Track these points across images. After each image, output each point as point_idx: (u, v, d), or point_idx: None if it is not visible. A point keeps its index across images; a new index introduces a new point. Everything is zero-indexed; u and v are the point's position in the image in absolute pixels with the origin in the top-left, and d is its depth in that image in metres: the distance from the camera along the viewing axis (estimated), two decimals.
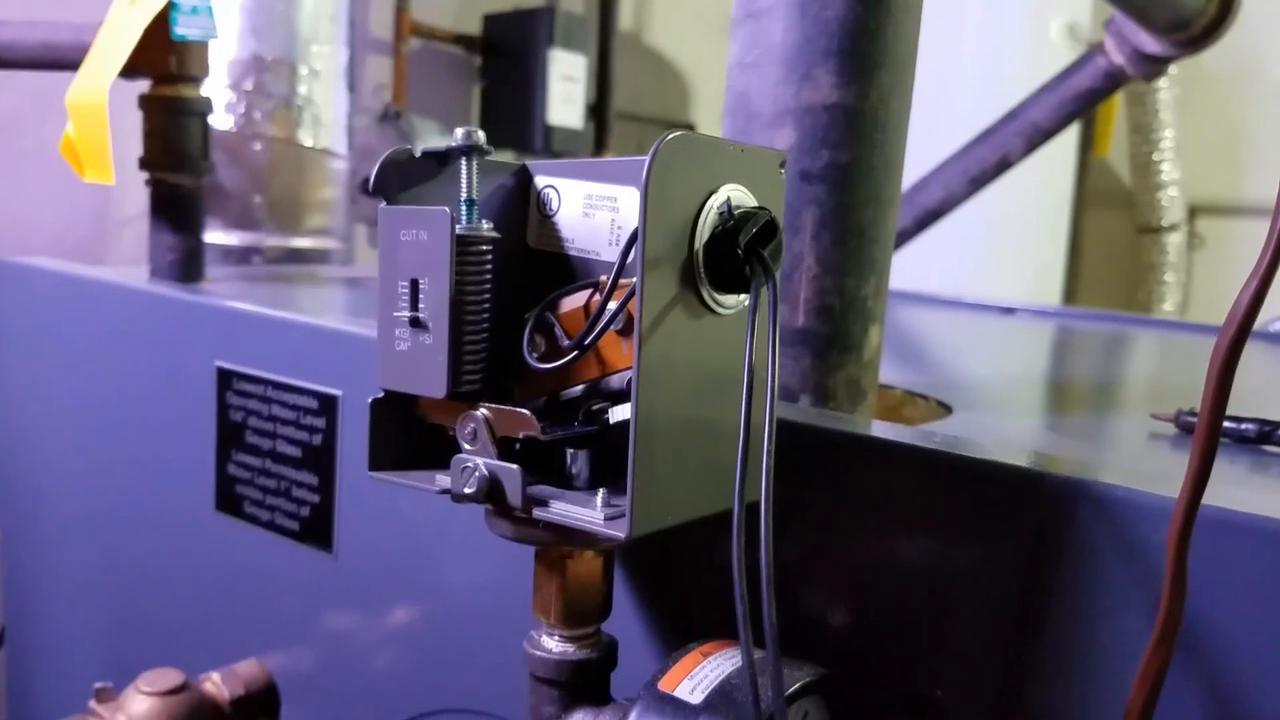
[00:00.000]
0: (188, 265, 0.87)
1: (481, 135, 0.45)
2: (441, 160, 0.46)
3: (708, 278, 0.39)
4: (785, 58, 0.57)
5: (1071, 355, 1.06)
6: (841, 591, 0.47)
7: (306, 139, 1.22)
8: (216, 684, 0.73)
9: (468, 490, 0.41)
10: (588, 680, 0.45)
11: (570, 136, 2.04)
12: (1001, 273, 2.31)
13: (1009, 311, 1.39)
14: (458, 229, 0.43)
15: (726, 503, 0.42)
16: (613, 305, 0.41)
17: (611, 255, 0.48)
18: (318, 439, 0.68)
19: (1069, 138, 2.47)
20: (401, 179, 0.46)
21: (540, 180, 0.50)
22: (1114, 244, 3.29)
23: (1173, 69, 2.73)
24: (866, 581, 0.46)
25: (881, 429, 0.48)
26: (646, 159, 0.36)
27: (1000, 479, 0.42)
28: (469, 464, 0.42)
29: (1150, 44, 1.34)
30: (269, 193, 1.21)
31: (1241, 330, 0.34)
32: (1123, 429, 0.63)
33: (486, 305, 0.44)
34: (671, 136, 0.37)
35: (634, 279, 0.41)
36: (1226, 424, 0.61)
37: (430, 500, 0.63)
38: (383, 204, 0.45)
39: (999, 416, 0.63)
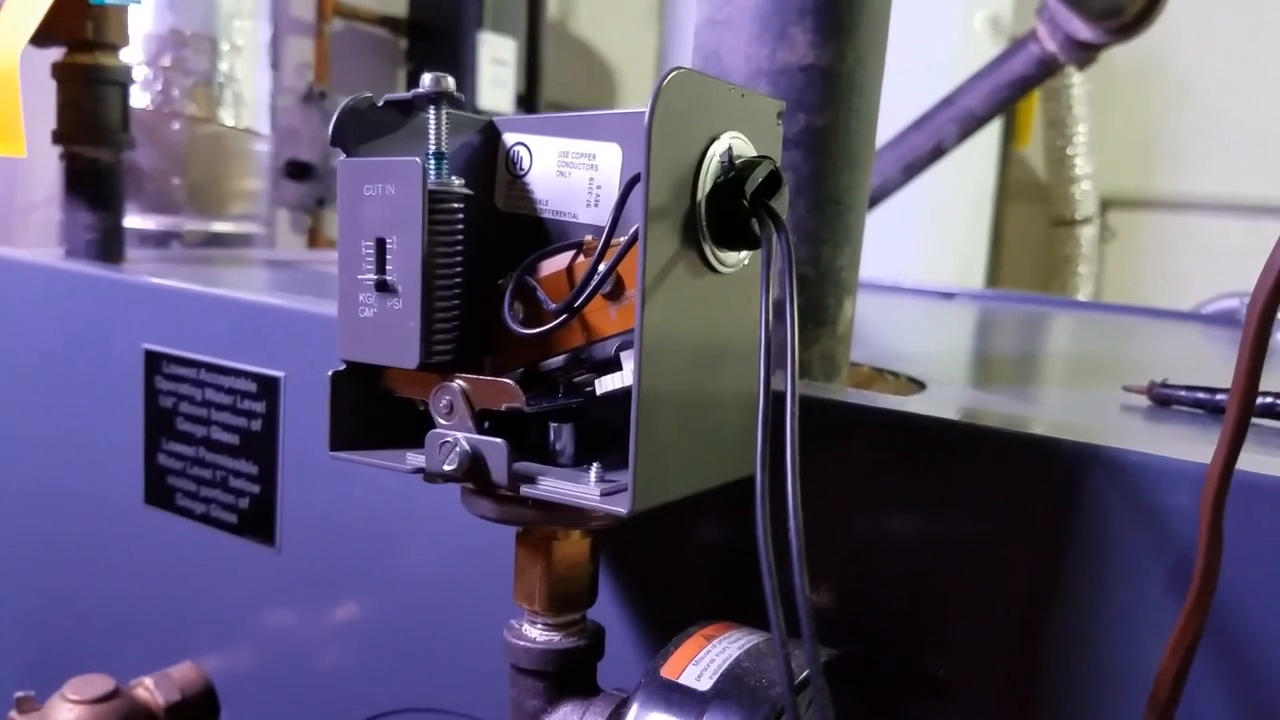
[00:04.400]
0: (107, 245, 0.81)
1: (451, 82, 0.41)
2: (405, 110, 0.43)
3: (710, 233, 0.36)
4: (759, 15, 0.54)
5: (1018, 335, 1.06)
6: (847, 569, 0.45)
7: (228, 118, 1.16)
8: (150, 689, 0.67)
9: (447, 467, 0.38)
10: (575, 670, 0.42)
11: None
12: (928, 261, 2.33)
13: (948, 296, 1.39)
14: (430, 183, 0.39)
15: (729, 475, 0.39)
16: (606, 267, 0.38)
17: (590, 217, 0.44)
18: (257, 424, 0.63)
19: (992, 130, 2.51)
20: (360, 130, 0.42)
21: (509, 137, 0.46)
22: (1031, 235, 3.35)
23: None
24: (873, 558, 0.44)
25: (885, 401, 0.46)
26: (646, 104, 0.33)
27: (1016, 448, 0.40)
28: (448, 439, 0.38)
29: (1083, 31, 1.36)
30: (188, 174, 1.14)
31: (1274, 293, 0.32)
32: (1095, 401, 0.62)
33: (459, 269, 0.41)
34: (676, 73, 0.34)
35: (622, 239, 0.38)
36: (1200, 395, 0.60)
37: (385, 484, 0.59)
38: (341, 156, 0.41)
39: (972, 391, 0.61)
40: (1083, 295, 3.27)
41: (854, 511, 0.44)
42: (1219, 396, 0.60)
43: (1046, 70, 1.44)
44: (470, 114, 0.45)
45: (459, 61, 1.96)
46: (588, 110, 0.44)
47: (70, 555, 0.77)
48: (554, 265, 0.42)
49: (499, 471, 0.37)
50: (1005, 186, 3.01)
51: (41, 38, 0.76)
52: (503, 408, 0.39)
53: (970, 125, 1.47)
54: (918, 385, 0.63)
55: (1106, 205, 3.34)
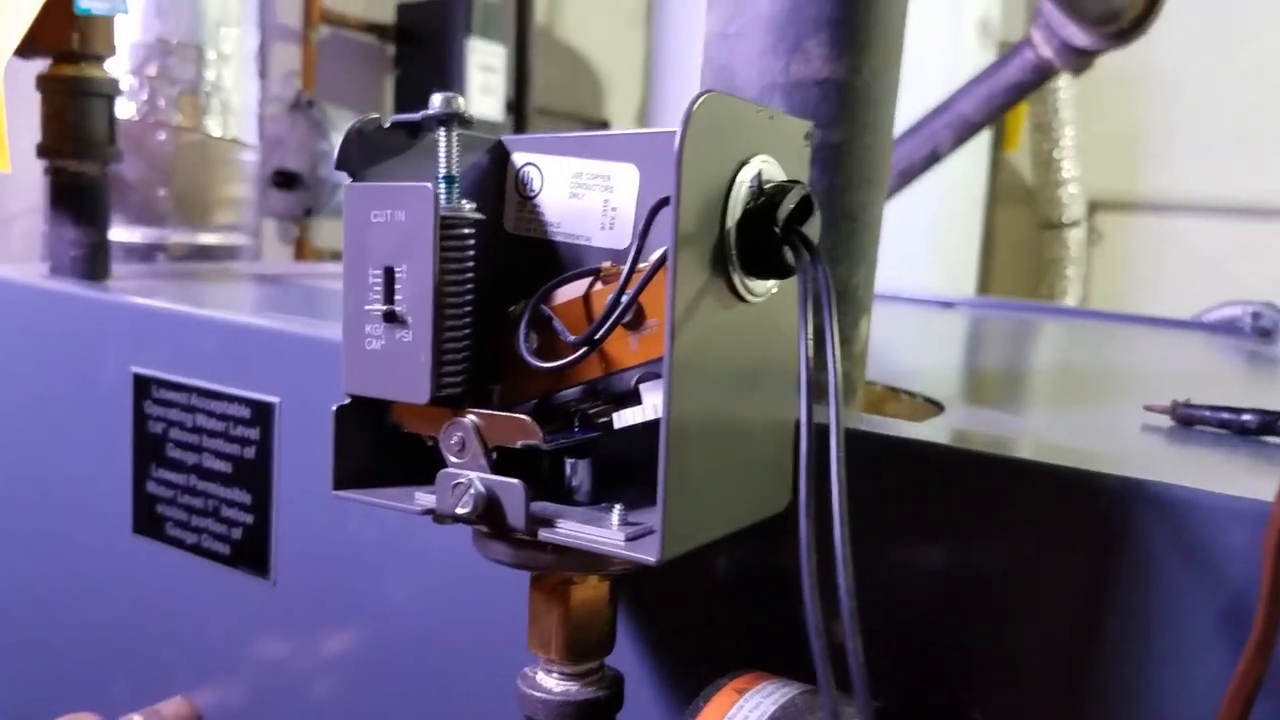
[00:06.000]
0: (92, 262, 0.78)
1: (462, 102, 0.39)
2: (413, 132, 0.41)
3: (740, 261, 0.35)
4: (773, 27, 0.52)
5: (1023, 346, 1.05)
6: (873, 609, 0.43)
7: (215, 128, 1.13)
8: None
9: (461, 510, 0.36)
10: None
11: (491, 130, 1.96)
12: (920, 267, 2.32)
13: (948, 305, 1.38)
14: (444, 208, 0.37)
15: (761, 513, 0.37)
16: (629, 297, 0.36)
17: (605, 240, 0.42)
18: (250, 452, 0.61)
19: (982, 135, 2.51)
20: (367, 153, 0.40)
21: (519, 158, 0.44)
22: (1020, 239, 3.35)
23: None
24: (899, 597, 0.42)
25: (915, 430, 0.44)
26: (678, 127, 0.31)
27: (1055, 482, 0.38)
28: (461, 480, 0.36)
29: (1079, 37, 1.34)
30: (174, 185, 1.12)
31: None
32: (1118, 422, 0.60)
33: (470, 298, 0.39)
34: (706, 95, 0.32)
35: (645, 265, 0.36)
36: (1225, 415, 0.59)
37: (383, 516, 0.57)
38: (349, 181, 0.39)
39: (992, 412, 0.60)
40: (1071, 298, 3.28)
41: (880, 547, 0.42)
42: (1245, 417, 0.59)
43: (1042, 76, 1.43)
44: (479, 134, 0.43)
45: (447, 68, 1.93)
46: (577, 116, 0.42)
47: (57, 586, 0.74)
48: (569, 293, 0.40)
49: (516, 515, 0.35)
50: (994, 191, 3.01)
51: (26, 49, 0.74)
52: (519, 444, 0.37)
53: (965, 132, 1.46)
54: (934, 406, 0.61)
55: (1094, 208, 3.34)
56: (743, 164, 0.34)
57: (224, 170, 1.16)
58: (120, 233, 1.09)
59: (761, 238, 0.34)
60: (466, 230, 0.39)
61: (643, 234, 0.36)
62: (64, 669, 0.74)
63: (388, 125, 0.40)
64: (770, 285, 0.37)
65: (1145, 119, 3.22)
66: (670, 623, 0.48)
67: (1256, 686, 0.32)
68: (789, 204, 0.34)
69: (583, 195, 0.43)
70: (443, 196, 0.38)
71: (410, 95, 2.02)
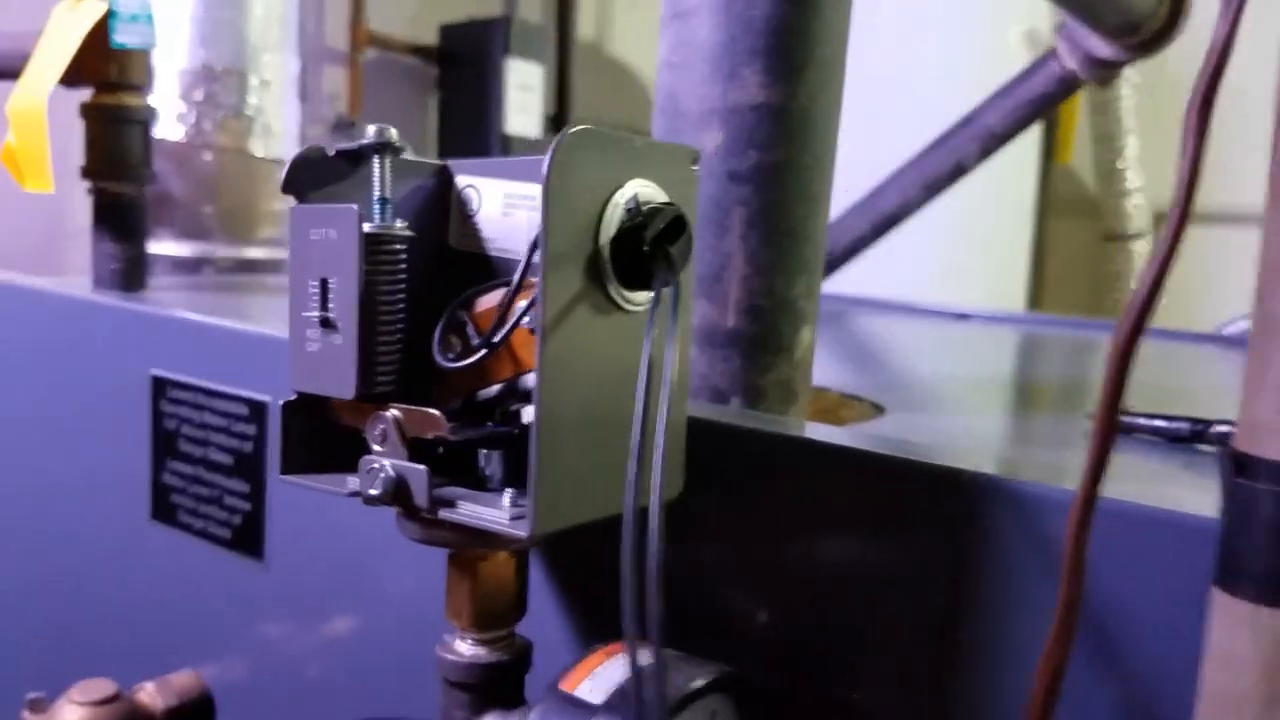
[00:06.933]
0: (129, 274, 0.86)
1: (394, 133, 0.44)
2: (354, 159, 0.46)
3: (616, 275, 0.39)
4: (711, 57, 0.57)
5: (1018, 359, 1.07)
6: (766, 592, 0.46)
7: (257, 149, 1.21)
8: (150, 694, 0.71)
9: (373, 492, 0.41)
10: (499, 684, 0.44)
11: (528, 146, 2.04)
12: (963, 279, 2.32)
13: (963, 317, 1.39)
14: (370, 227, 0.42)
15: (640, 501, 0.41)
16: (525, 304, 0.40)
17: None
18: (248, 446, 0.67)
19: (1030, 145, 2.49)
20: (314, 178, 0.45)
21: (461, 180, 0.49)
22: (1078, 251, 3.31)
23: (1136, 77, 2.76)
24: (791, 582, 0.46)
25: (800, 428, 0.48)
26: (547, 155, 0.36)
27: (917, 478, 0.42)
28: (375, 465, 0.41)
29: (1101, 48, 1.35)
30: (219, 203, 1.20)
31: (1138, 320, 0.34)
32: (1055, 429, 0.63)
33: (401, 305, 0.44)
34: (573, 131, 0.36)
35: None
36: (1160, 423, 0.61)
37: (358, 507, 0.62)
38: (293, 203, 0.44)
39: (930, 416, 0.63)
40: None
41: (782, 540, 0.46)
42: (1178, 425, 0.61)
43: (1067, 88, 1.43)
44: (422, 160, 0.48)
45: (485, 89, 2.00)
46: (623, 128, 0.46)
47: (80, 566, 0.81)
48: (488, 301, 0.44)
49: (420, 495, 0.40)
50: (1048, 202, 2.98)
51: (71, 80, 0.81)
52: (429, 435, 0.42)
53: (990, 145, 1.48)
54: (880, 410, 0.64)
55: (1161, 220, 3.29)
56: (618, 188, 0.39)
57: (266, 188, 1.24)
58: (170, 247, 1.17)
59: (635, 254, 0.38)
60: (397, 246, 0.44)
61: (530, 251, 0.40)
62: (88, 639, 0.81)
63: (331, 154, 0.45)
64: (651, 295, 0.41)
65: (1214, 129, 3.16)
66: (585, 598, 0.52)
67: (1059, 673, 0.35)
68: (658, 225, 0.38)
69: (512, 214, 0.48)
70: (375, 215, 0.44)
71: (452, 115, 2.10)
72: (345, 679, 0.65)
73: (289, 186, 0.44)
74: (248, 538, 0.68)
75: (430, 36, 2.28)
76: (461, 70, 2.11)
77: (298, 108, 1.26)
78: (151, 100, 0.87)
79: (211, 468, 0.70)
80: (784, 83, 0.56)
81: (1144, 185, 3.14)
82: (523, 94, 2.04)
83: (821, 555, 0.45)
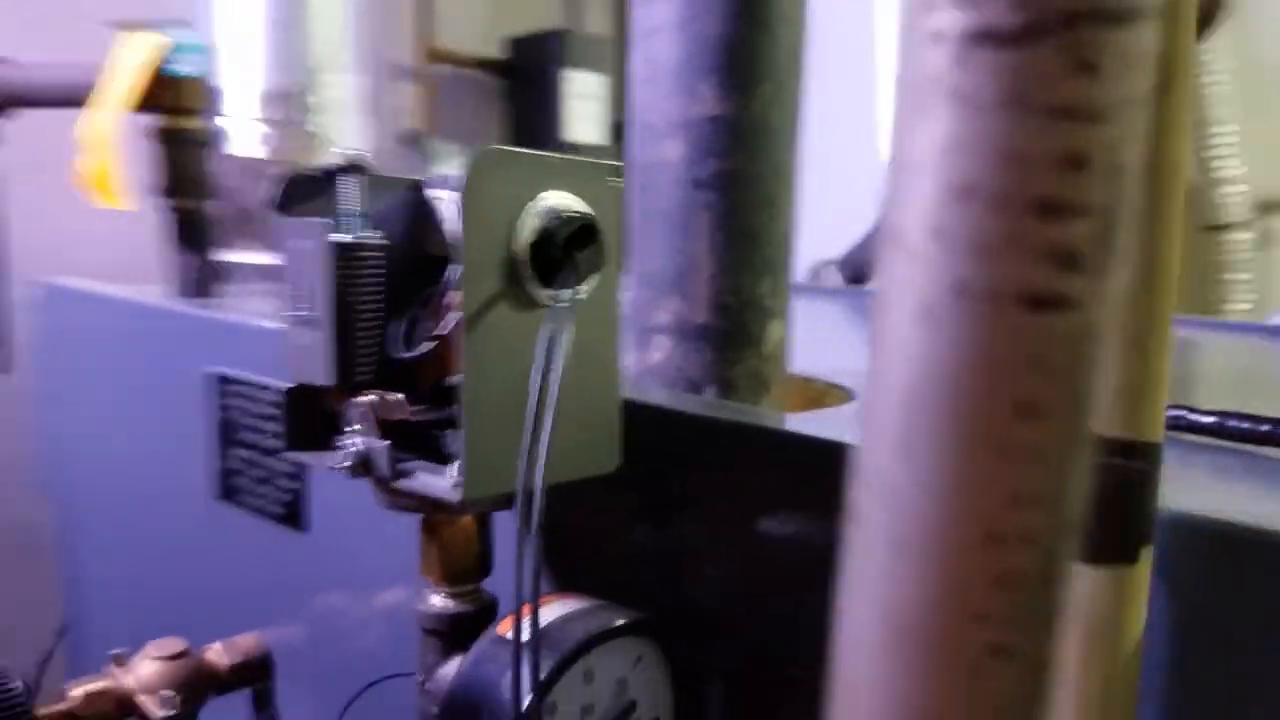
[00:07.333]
0: (200, 282, 0.96)
1: (365, 155, 0.52)
2: (333, 179, 0.53)
3: (537, 275, 0.45)
4: (672, 74, 0.62)
5: None
6: (729, 576, 0.51)
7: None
8: (218, 652, 0.80)
9: (345, 465, 0.48)
10: (466, 631, 0.51)
11: (593, 152, 2.11)
12: None
13: None
14: (340, 237, 0.49)
15: (587, 472, 0.48)
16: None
17: None
18: None
19: None
20: (300, 195, 0.52)
21: (429, 193, 0.56)
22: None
23: (1231, 64, 2.68)
24: (748, 565, 0.50)
25: (739, 414, 0.53)
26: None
27: (825, 453, 0.46)
28: (348, 443, 0.48)
29: None
30: None
31: None
32: None
33: (376, 305, 0.51)
34: (486, 150, 0.43)
35: None
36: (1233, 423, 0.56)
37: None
38: (276, 216, 0.52)
39: None
40: (1241, 304, 3.11)
41: (743, 523, 0.50)
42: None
43: None
44: (398, 176, 0.55)
45: (547, 99, 2.09)
46: None
47: (155, 540, 0.92)
48: (440, 300, 0.51)
49: (382, 468, 0.47)
50: None
51: (142, 107, 0.92)
52: (395, 418, 0.49)
53: None
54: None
55: (1265, 209, 3.17)
56: (531, 200, 0.45)
57: None
58: (249, 256, 1.28)
59: (551, 257, 0.45)
60: (369, 253, 0.51)
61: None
62: (165, 605, 0.92)
63: (319, 175, 0.53)
64: (580, 290, 0.47)
65: None
66: (553, 565, 0.58)
67: None
68: (565, 231, 0.44)
69: None
70: (352, 228, 0.51)
71: (519, 127, 2.20)
72: (382, 640, 0.73)
73: (278, 204, 0.52)
74: (296, 513, 0.76)
75: (496, 50, 2.38)
76: (525, 82, 2.20)
77: (369, 124, 1.36)
78: (226, 121, 0.97)
79: (264, 452, 0.79)
80: (737, 95, 0.62)
81: (1245, 173, 3.03)
82: (584, 103, 2.11)
83: (771, 538, 0.48)
